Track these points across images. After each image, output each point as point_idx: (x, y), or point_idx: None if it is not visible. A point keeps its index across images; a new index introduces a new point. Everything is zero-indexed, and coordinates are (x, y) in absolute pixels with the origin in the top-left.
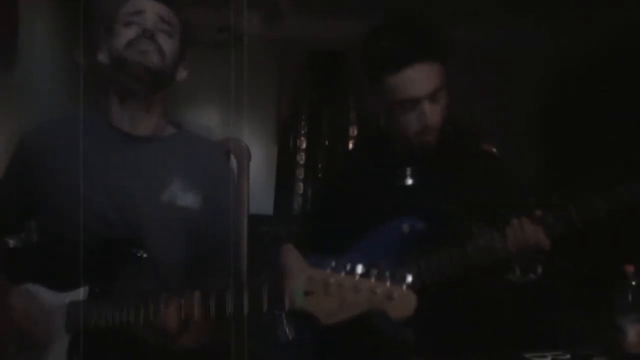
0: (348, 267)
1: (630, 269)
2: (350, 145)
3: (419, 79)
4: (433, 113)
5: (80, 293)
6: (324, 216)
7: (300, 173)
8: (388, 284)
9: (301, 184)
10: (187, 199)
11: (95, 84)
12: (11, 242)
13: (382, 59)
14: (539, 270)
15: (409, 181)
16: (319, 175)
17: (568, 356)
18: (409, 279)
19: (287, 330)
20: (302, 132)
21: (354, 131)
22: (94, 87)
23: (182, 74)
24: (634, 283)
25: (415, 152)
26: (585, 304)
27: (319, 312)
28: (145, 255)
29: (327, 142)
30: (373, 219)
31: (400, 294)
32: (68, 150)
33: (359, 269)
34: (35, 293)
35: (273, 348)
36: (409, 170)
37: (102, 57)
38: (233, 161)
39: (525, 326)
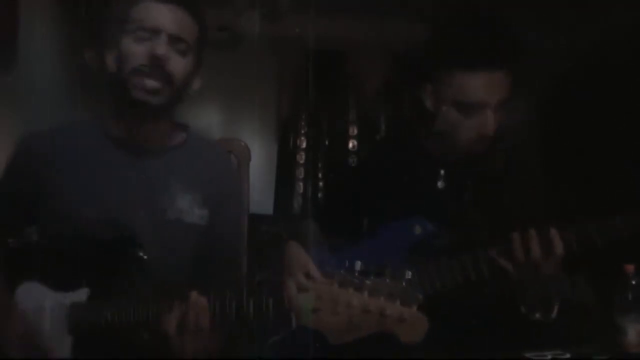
0: (357, 282)
1: (630, 269)
2: (351, 145)
3: (493, 85)
4: (494, 123)
5: (82, 295)
6: (345, 203)
7: (300, 173)
8: (398, 303)
9: (301, 184)
10: (195, 215)
11: (98, 88)
12: (13, 243)
13: (462, 54)
14: (553, 314)
15: (440, 184)
16: (321, 174)
17: (568, 356)
18: (420, 298)
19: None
20: (302, 132)
21: (354, 131)
22: (97, 91)
23: (196, 84)
24: (634, 283)
25: (454, 155)
26: (586, 303)
27: (327, 331)
28: (145, 258)
29: (327, 142)
30: (391, 217)
31: (411, 316)
32: (71, 159)
33: (368, 283)
34: (37, 293)
35: (273, 345)
36: (442, 173)
37: (110, 64)
38: (233, 161)
39: (525, 326)
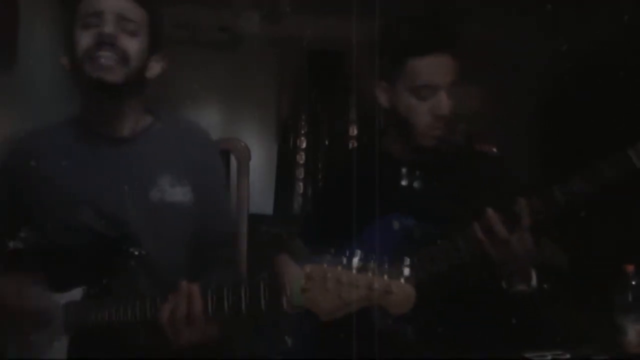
0: (344, 261)
1: (630, 268)
2: (350, 145)
3: (441, 67)
4: (448, 105)
5: (77, 294)
6: (324, 213)
7: (300, 173)
8: (385, 277)
9: (301, 184)
10: (177, 193)
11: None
12: (8, 244)
13: (409, 42)
14: (533, 281)
15: (404, 181)
16: (320, 176)
17: (568, 356)
18: (406, 272)
19: (286, 337)
20: (302, 132)
21: (354, 131)
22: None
23: (153, 70)
24: (634, 283)
25: (417, 149)
26: (586, 304)
27: (317, 309)
28: (139, 254)
29: (327, 142)
30: (369, 218)
31: (398, 288)
32: (55, 156)
33: (356, 262)
34: (33, 293)
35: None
36: (404, 171)
37: (65, 62)
38: (233, 161)
39: (526, 326)
